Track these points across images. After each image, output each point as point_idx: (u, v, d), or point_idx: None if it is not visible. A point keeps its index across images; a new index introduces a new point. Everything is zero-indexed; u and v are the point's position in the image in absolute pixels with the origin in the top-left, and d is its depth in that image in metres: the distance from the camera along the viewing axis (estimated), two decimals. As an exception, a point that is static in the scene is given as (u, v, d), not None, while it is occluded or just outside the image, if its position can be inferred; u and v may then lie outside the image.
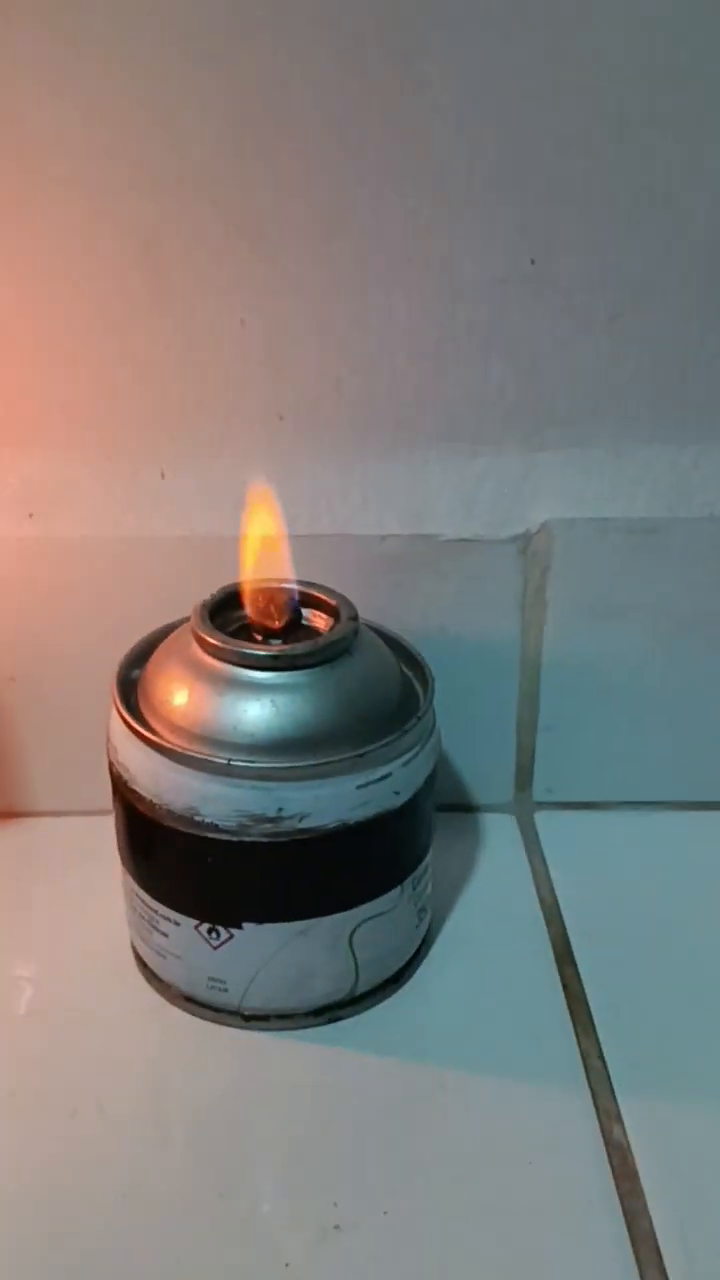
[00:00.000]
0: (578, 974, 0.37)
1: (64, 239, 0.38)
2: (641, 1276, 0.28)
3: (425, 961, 0.38)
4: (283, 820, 0.32)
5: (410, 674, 0.37)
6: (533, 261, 0.39)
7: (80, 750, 0.42)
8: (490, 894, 0.41)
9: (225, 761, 0.31)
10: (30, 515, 0.41)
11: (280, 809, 0.32)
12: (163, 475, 0.41)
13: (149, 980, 0.37)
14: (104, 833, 0.37)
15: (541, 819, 0.45)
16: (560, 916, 0.40)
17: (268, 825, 0.32)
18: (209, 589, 0.36)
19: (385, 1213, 0.29)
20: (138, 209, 0.38)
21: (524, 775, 0.46)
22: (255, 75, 0.36)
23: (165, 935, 0.35)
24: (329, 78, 0.36)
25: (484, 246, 0.38)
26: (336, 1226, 0.29)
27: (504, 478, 0.41)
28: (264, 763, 0.32)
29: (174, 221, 0.38)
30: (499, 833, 0.44)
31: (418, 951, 0.38)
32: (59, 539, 0.41)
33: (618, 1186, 0.30)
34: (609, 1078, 0.33)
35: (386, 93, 0.36)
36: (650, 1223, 0.29)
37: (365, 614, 0.36)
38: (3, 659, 0.42)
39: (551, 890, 0.41)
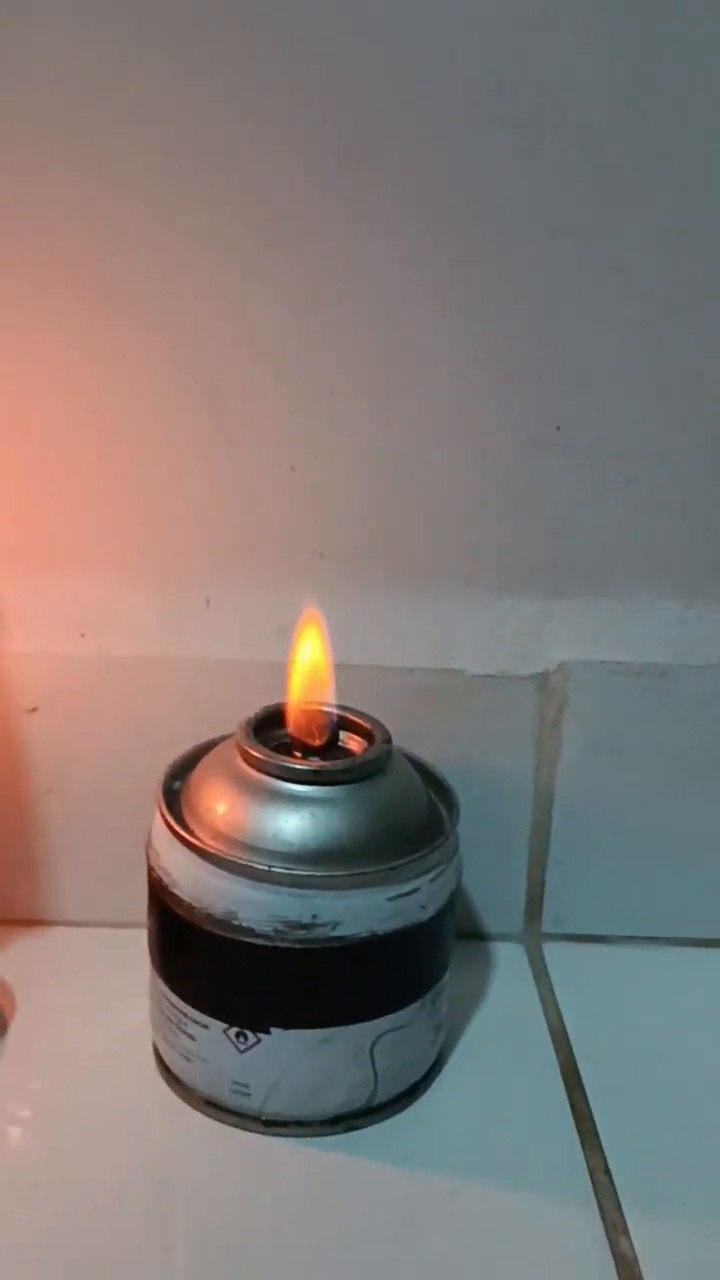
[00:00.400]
0: (584, 1095, 0.39)
1: (140, 386, 0.42)
2: None
3: (439, 1077, 0.39)
4: (316, 927, 0.34)
5: (435, 797, 0.39)
6: (558, 428, 0.43)
7: (109, 863, 0.45)
8: (500, 1017, 0.43)
9: (266, 868, 0.34)
10: (82, 635, 0.44)
11: (315, 916, 0.34)
12: (208, 603, 0.44)
13: (170, 1084, 0.38)
14: (127, 943, 0.39)
15: (550, 949, 0.47)
16: (568, 1041, 0.41)
17: (301, 932, 0.34)
18: (245, 710, 0.39)
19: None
20: (206, 365, 0.42)
21: (534, 906, 0.47)
22: (320, 257, 0.41)
23: (192, 1038, 0.36)
24: (384, 267, 0.41)
25: (514, 415, 0.43)
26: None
27: (525, 621, 0.45)
28: (301, 870, 0.34)
29: (236, 378, 0.42)
30: (509, 961, 0.46)
31: (433, 1067, 0.39)
32: (108, 658, 0.44)
33: (627, 1300, 0.31)
34: (615, 1191, 0.35)
35: (437, 284, 0.41)
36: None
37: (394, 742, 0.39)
38: (43, 771, 0.45)
39: (559, 1016, 0.43)
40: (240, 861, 0.34)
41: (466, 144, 0.39)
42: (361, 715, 0.38)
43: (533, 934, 0.47)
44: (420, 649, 0.44)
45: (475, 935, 0.47)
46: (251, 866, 0.34)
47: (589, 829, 0.46)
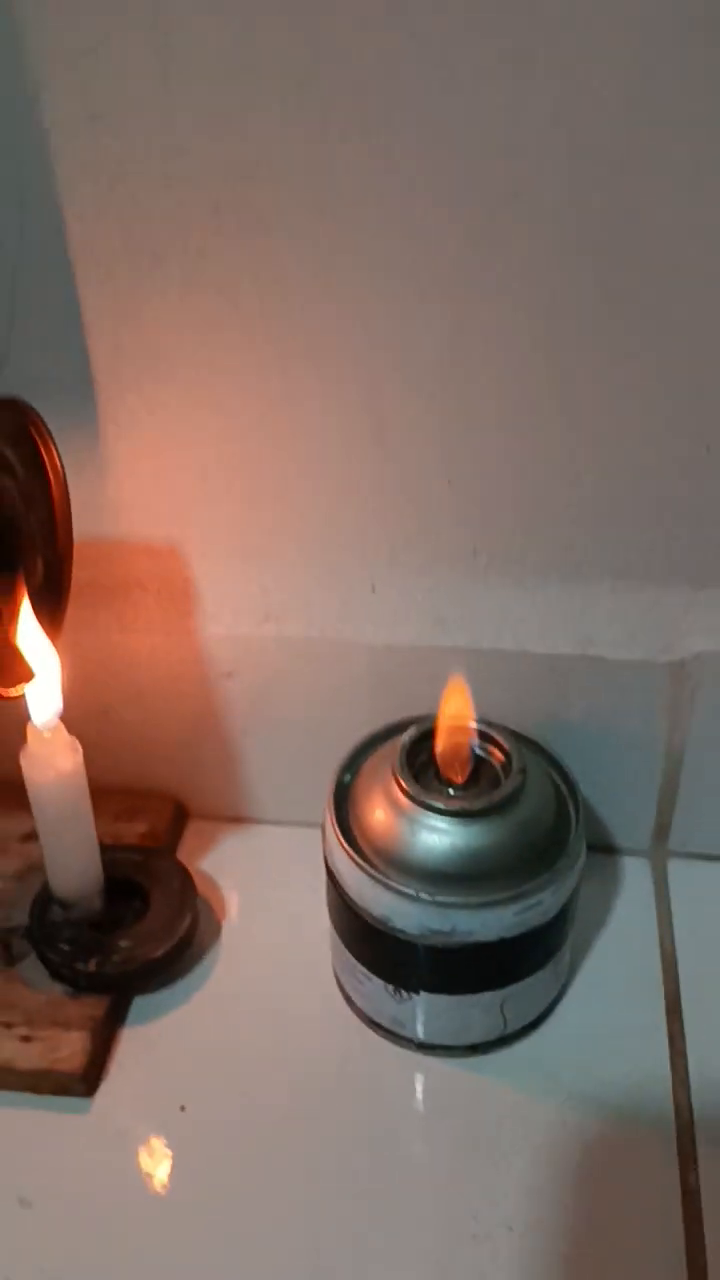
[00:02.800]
0: (682, 1028, 0.47)
1: (318, 415, 0.46)
2: (691, 1300, 0.39)
3: (561, 1005, 0.48)
4: (454, 935, 0.42)
5: (564, 788, 0.46)
6: (708, 449, 0.44)
7: (300, 776, 0.53)
8: (619, 937, 0.51)
9: (414, 894, 0.41)
10: (267, 619, 0.50)
11: (453, 927, 0.42)
12: (373, 589, 0.50)
13: (345, 1001, 0.48)
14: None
15: (674, 866, 0.54)
16: (676, 971, 0.49)
17: (442, 937, 0.42)
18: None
19: (510, 1228, 0.41)
20: (371, 396, 0.45)
21: (663, 825, 0.54)
22: (466, 304, 0.42)
23: (360, 982, 0.46)
24: (529, 312, 0.42)
25: (658, 434, 0.44)
26: (474, 1236, 0.41)
27: (665, 611, 0.48)
28: (443, 895, 0.42)
29: (397, 406, 0.45)
30: (635, 876, 0.54)
31: (555, 999, 0.48)
32: (288, 638, 0.50)
33: (685, 1230, 0.41)
34: (693, 1126, 0.44)
35: (578, 329, 0.42)
36: (705, 1262, 0.40)
37: (534, 718, 0.46)
38: (240, 716, 0.53)
39: (672, 942, 0.51)
40: (394, 885, 0.42)
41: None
42: (503, 735, 0.44)
43: (659, 851, 0.54)
44: (564, 637, 0.49)
45: (606, 849, 0.55)
46: (402, 891, 0.42)
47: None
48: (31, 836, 0.53)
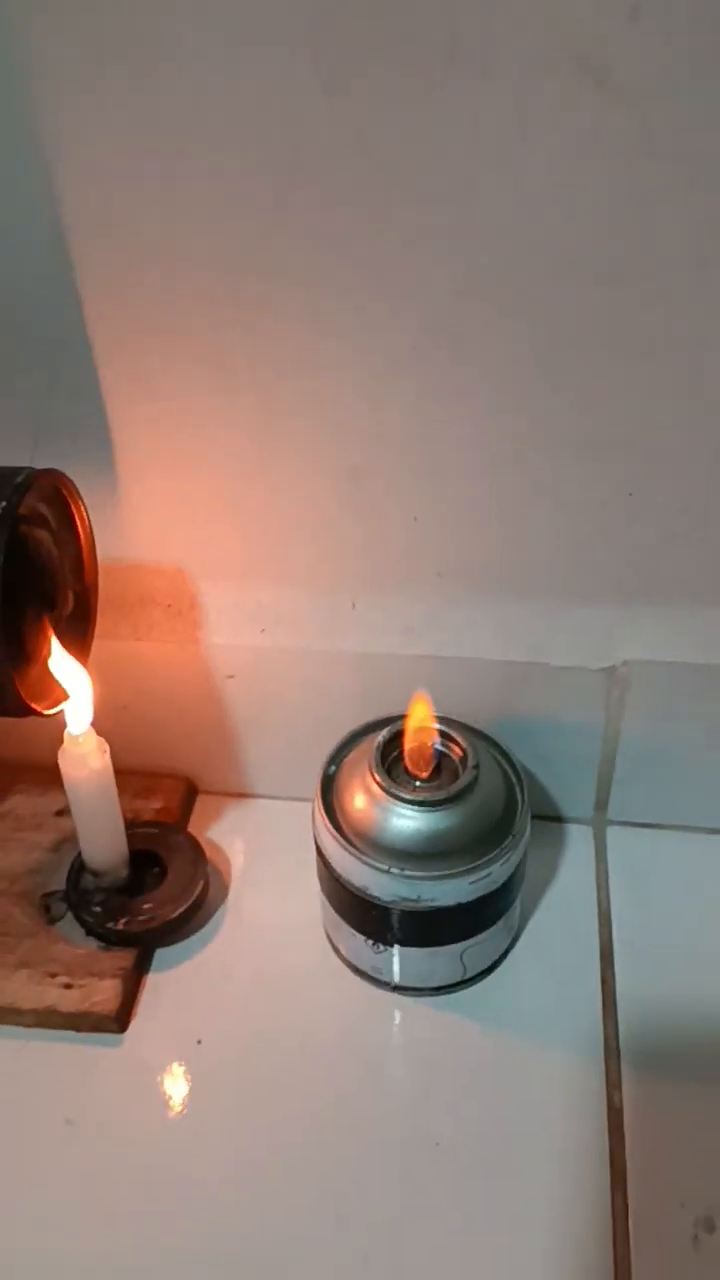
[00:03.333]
0: (613, 972, 0.57)
1: (301, 463, 0.54)
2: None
3: (512, 953, 0.57)
4: (421, 901, 0.51)
5: (513, 777, 0.54)
6: (630, 494, 0.52)
7: (293, 759, 0.62)
8: (563, 896, 0.60)
9: (386, 869, 0.51)
10: (262, 630, 0.59)
11: (419, 896, 0.51)
12: (354, 606, 0.58)
13: (334, 952, 0.58)
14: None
15: (612, 833, 0.63)
16: (610, 922, 0.59)
17: (411, 903, 0.51)
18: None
19: (467, 1137, 0.51)
20: (348, 448, 0.53)
21: (603, 794, 0.63)
22: (434, 376, 0.50)
23: (346, 937, 0.55)
24: (484, 383, 0.50)
25: (591, 485, 0.52)
26: (437, 1144, 0.50)
27: (600, 625, 0.57)
28: (410, 870, 0.51)
29: (371, 457, 0.53)
30: (578, 843, 0.63)
31: (508, 948, 0.57)
32: (281, 647, 0.59)
33: (610, 1140, 0.50)
34: (619, 1054, 0.53)
35: (529, 392, 0.50)
36: (625, 1166, 0.49)
37: (490, 714, 0.55)
38: (241, 710, 0.61)
39: (608, 898, 0.60)
40: (370, 862, 0.51)
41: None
42: (460, 733, 0.53)
43: (599, 820, 0.64)
44: (515, 646, 0.57)
45: (554, 818, 0.64)
46: (376, 866, 0.51)
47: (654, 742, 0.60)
48: (63, 812, 0.62)
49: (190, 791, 0.65)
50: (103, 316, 0.51)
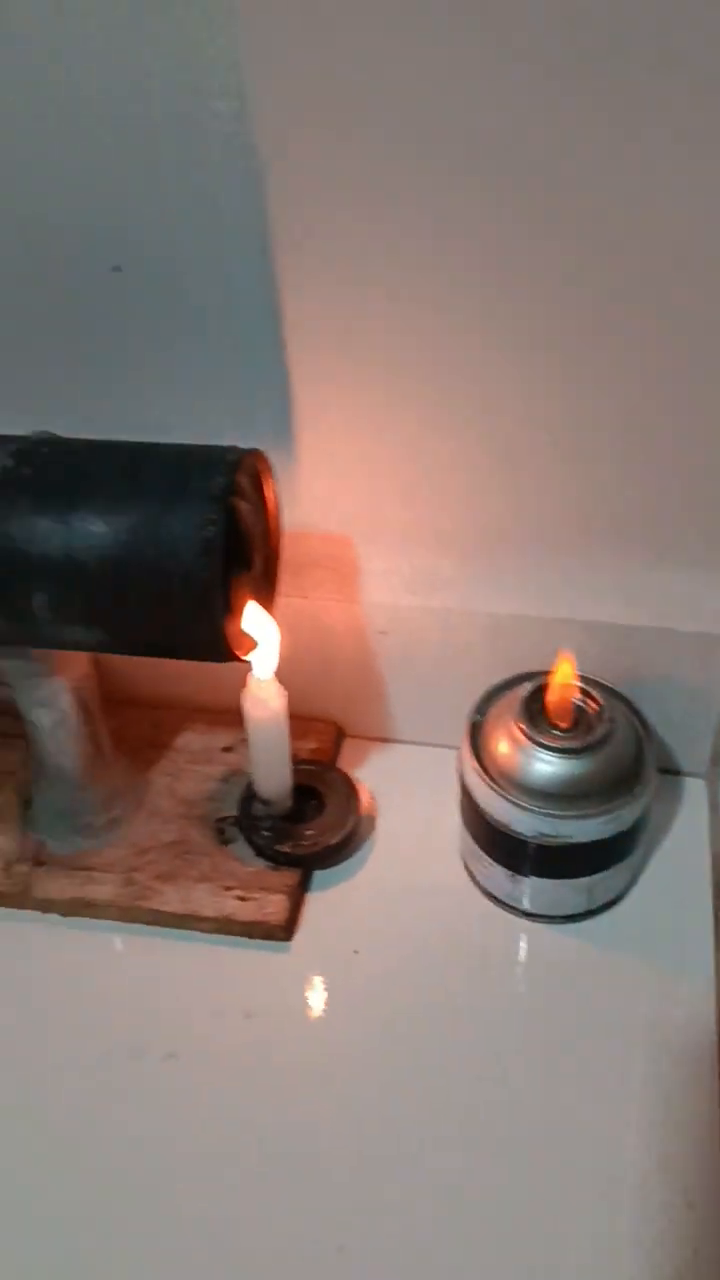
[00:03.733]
0: (723, 908, 0.63)
1: (468, 450, 0.61)
2: None
3: (634, 888, 0.64)
4: (559, 838, 0.58)
5: (641, 731, 0.61)
6: (760, 480, 0.58)
7: (434, 708, 0.69)
8: (682, 840, 0.67)
9: (528, 807, 0.57)
10: (412, 591, 0.65)
11: (557, 832, 0.58)
12: (498, 571, 0.65)
13: (470, 880, 0.65)
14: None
15: (724, 786, 0.69)
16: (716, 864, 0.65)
17: (550, 838, 0.58)
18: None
19: (588, 1048, 0.58)
20: (505, 442, 0.59)
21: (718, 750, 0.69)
22: (577, 367, 0.56)
23: (484, 867, 0.62)
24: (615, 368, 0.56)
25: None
26: (554, 1051, 0.58)
27: (724, 595, 0.63)
28: (550, 809, 0.57)
29: (523, 442, 0.59)
30: (695, 793, 0.69)
31: (630, 882, 0.64)
32: (429, 606, 0.65)
33: (717, 1056, 0.57)
34: (727, 981, 0.60)
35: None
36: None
37: (618, 674, 0.61)
38: (390, 659, 0.68)
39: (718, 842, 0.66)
40: (514, 800, 0.58)
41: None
42: (597, 689, 0.60)
43: (713, 773, 0.70)
44: (644, 612, 0.63)
45: (673, 771, 0.70)
46: (519, 804, 0.58)
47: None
48: (229, 749, 0.70)
49: (339, 735, 0.73)
50: (295, 313, 0.57)
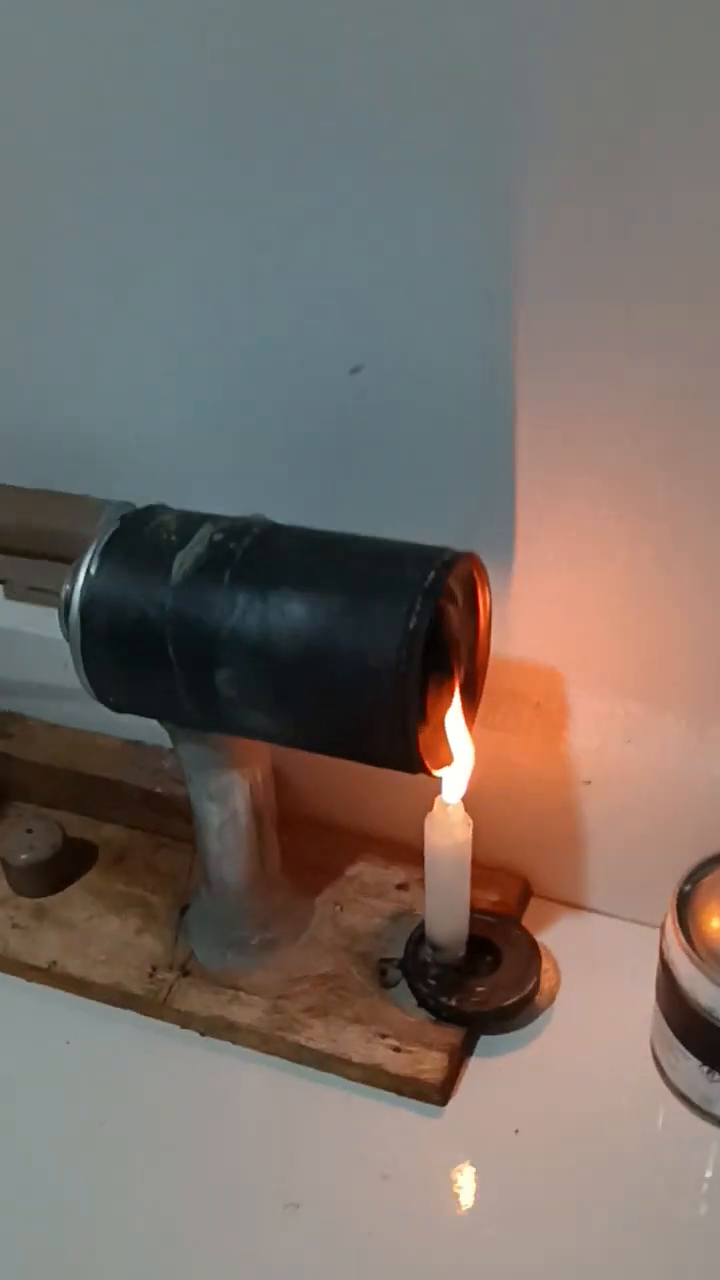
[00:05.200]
0: None
1: (691, 581, 0.56)
2: None
3: None
4: (769, 1032, 0.50)
5: None
6: None
7: (633, 878, 0.62)
8: None
9: (739, 992, 0.50)
10: (628, 740, 0.60)
11: (768, 1025, 0.50)
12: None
13: (659, 1073, 0.57)
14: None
15: None
16: None
17: (758, 1031, 0.50)
18: None
19: None
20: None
21: None
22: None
23: (678, 1059, 0.54)
24: None
25: None
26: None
27: None
28: (764, 997, 0.50)
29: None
30: None
31: None
32: (644, 759, 0.60)
33: None
34: None
35: None
36: None
37: None
38: (592, 819, 0.63)
39: None
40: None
41: None
42: None
43: None
44: None
45: None
46: (728, 986, 0.50)
47: None
48: (404, 886, 0.65)
49: (525, 890, 0.66)
50: (530, 431, 0.55)
